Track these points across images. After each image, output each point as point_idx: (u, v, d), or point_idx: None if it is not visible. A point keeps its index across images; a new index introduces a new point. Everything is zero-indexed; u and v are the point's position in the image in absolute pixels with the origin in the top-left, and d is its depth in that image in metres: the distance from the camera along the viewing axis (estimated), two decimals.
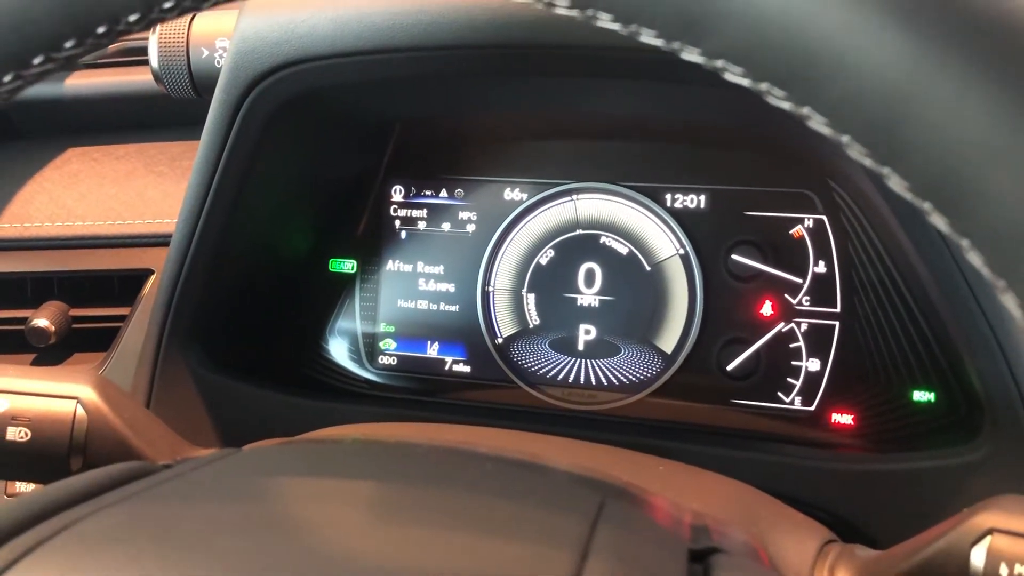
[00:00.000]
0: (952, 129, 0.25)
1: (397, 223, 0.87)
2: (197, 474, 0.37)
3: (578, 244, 0.82)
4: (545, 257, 0.83)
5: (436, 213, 0.86)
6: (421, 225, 0.86)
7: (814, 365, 0.77)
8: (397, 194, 0.87)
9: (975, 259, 0.25)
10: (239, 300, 0.81)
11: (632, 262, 0.81)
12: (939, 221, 0.27)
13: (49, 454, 0.56)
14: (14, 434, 0.56)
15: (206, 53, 0.69)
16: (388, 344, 0.87)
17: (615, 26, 0.29)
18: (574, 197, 0.83)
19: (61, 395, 0.57)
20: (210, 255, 0.74)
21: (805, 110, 0.28)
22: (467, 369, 0.85)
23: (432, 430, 0.60)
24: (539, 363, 0.83)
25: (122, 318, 0.86)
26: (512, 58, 0.59)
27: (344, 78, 0.62)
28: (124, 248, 0.89)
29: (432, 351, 0.86)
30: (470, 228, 0.85)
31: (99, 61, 0.98)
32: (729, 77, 0.29)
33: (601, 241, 0.82)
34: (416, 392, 0.86)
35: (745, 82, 0.29)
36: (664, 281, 0.80)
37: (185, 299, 0.76)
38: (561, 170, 0.83)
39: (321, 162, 0.79)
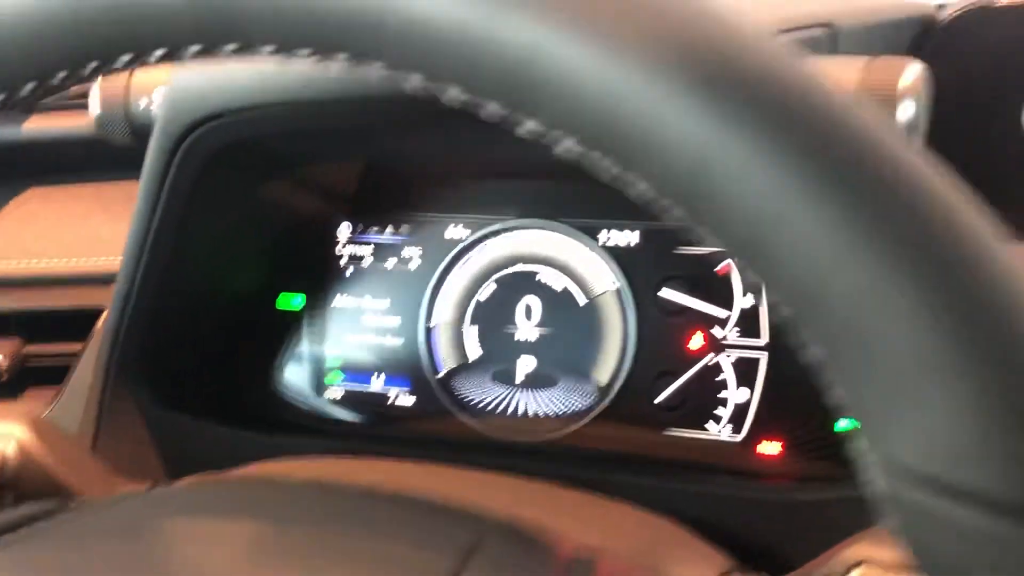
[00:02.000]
0: (746, 197, 0.27)
1: (343, 260, 0.89)
2: (85, 517, 0.39)
3: (517, 279, 0.85)
4: (486, 292, 0.86)
5: (381, 250, 0.88)
6: (367, 262, 0.89)
7: (742, 396, 0.79)
8: (343, 232, 0.89)
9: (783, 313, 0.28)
10: (186, 337, 0.84)
11: (569, 296, 0.83)
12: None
13: None
14: None
15: (145, 102, 0.72)
16: (335, 378, 0.89)
17: (464, 98, 0.32)
18: (514, 233, 0.85)
19: None
20: (153, 295, 0.76)
21: (630, 177, 0.30)
22: (411, 401, 0.87)
23: (349, 467, 0.62)
24: (480, 395, 0.85)
25: (76, 355, 0.88)
26: (428, 108, 0.62)
27: (272, 128, 0.65)
28: (78, 286, 0.91)
29: (378, 384, 0.88)
30: (413, 264, 0.87)
31: (57, 103, 1.01)
32: (562, 150, 0.31)
33: (539, 276, 0.84)
34: (362, 425, 0.88)
35: (579, 152, 0.31)
36: (599, 315, 0.83)
37: (131, 337, 0.78)
38: (501, 207, 0.86)
39: (263, 204, 0.81)
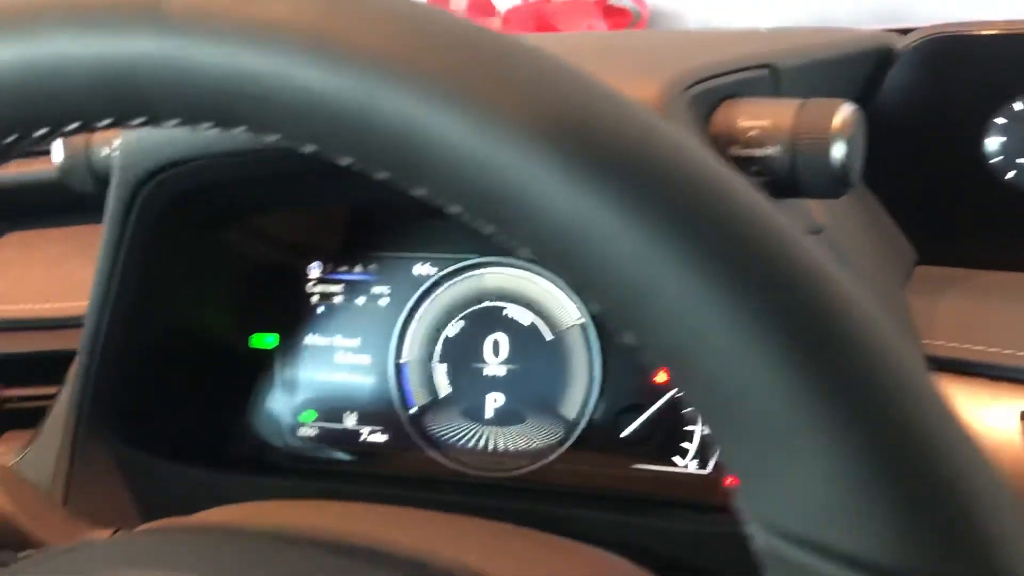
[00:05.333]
0: (618, 263, 0.28)
1: (315, 299, 0.90)
2: (34, 567, 0.40)
3: (484, 315, 0.86)
4: (454, 329, 0.86)
5: (352, 288, 0.89)
6: (338, 300, 0.90)
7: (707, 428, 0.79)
8: (314, 271, 0.90)
9: None
10: (158, 379, 0.85)
11: (535, 332, 0.84)
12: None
13: None
14: None
15: (106, 151, 0.73)
16: (309, 416, 0.90)
17: (359, 166, 0.33)
18: (480, 270, 0.86)
19: None
20: (121, 339, 0.77)
21: (515, 244, 0.31)
22: (383, 439, 0.88)
23: (313, 512, 0.62)
24: (450, 431, 0.86)
25: (52, 398, 0.89)
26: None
27: (226, 177, 0.66)
28: (55, 329, 0.92)
29: (350, 422, 0.89)
30: (383, 302, 0.88)
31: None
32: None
33: (505, 312, 0.85)
34: (335, 463, 0.89)
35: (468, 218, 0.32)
36: (565, 350, 0.83)
37: (100, 381, 0.79)
38: (467, 245, 0.87)
39: (230, 247, 0.83)
